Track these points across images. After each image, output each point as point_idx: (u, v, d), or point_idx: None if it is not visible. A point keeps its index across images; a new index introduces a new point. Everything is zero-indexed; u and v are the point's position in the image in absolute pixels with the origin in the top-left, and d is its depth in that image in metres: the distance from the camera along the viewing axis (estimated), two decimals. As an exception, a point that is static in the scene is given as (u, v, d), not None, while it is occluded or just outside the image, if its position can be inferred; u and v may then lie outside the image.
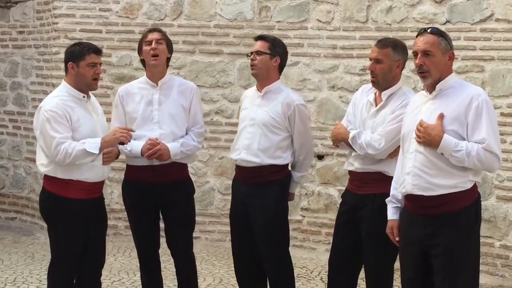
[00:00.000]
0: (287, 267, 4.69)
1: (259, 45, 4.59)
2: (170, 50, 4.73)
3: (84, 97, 4.31)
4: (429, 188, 3.68)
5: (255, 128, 4.56)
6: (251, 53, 4.61)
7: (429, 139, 3.65)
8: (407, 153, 3.79)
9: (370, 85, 4.33)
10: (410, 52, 6.21)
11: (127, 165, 4.74)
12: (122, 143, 4.33)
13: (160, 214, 4.74)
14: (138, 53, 4.74)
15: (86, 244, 4.34)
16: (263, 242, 4.57)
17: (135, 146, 4.56)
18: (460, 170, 3.65)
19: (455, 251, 3.64)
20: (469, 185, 3.69)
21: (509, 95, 6.03)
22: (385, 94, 4.23)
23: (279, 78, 4.68)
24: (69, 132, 4.18)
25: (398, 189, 3.88)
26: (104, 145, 4.22)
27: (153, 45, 4.59)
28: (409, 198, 3.78)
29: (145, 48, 4.63)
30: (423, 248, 3.73)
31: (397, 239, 3.91)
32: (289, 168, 4.70)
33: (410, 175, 3.73)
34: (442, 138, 3.61)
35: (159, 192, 4.60)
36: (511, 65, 6.05)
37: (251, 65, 4.61)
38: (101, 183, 4.39)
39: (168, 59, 4.75)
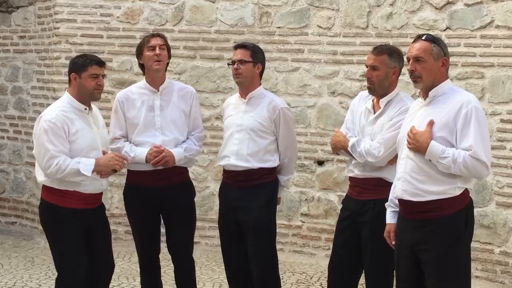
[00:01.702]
0: (273, 270, 4.70)
1: (241, 54, 4.63)
2: (170, 55, 4.75)
3: (85, 109, 4.31)
4: (417, 194, 3.71)
5: (243, 134, 4.61)
6: (233, 62, 4.64)
7: (417, 145, 3.69)
8: (400, 159, 3.84)
9: (367, 92, 4.35)
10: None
11: (128, 170, 4.75)
12: (115, 171, 4.36)
13: (161, 218, 4.75)
14: (137, 57, 4.74)
15: (91, 254, 4.33)
16: (252, 244, 4.60)
17: (139, 153, 4.58)
18: (448, 177, 3.67)
19: (443, 257, 3.66)
20: (458, 192, 3.70)
21: (509, 101, 6.04)
22: (383, 101, 4.25)
23: (261, 84, 4.75)
24: (65, 145, 4.17)
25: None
26: (97, 168, 4.22)
27: (157, 51, 4.60)
28: (400, 203, 3.83)
29: (148, 53, 4.63)
30: (414, 253, 3.76)
31: (393, 242, 3.93)
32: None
33: (400, 181, 3.78)
34: (429, 144, 3.64)
35: (161, 196, 4.62)
36: (511, 72, 6.06)
37: (236, 74, 4.64)
38: (99, 194, 4.40)
39: (167, 64, 4.77)
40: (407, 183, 3.74)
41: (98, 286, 4.43)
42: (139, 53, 4.70)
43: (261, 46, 6.60)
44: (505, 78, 6.06)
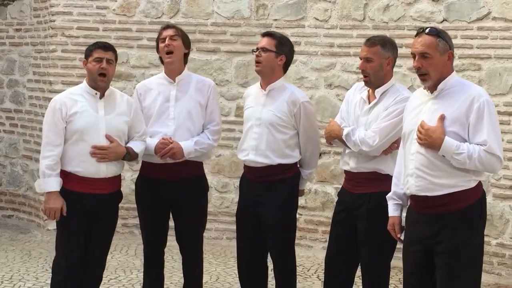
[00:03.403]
0: (291, 265, 4.69)
1: (265, 42, 4.54)
2: (187, 45, 4.69)
3: (96, 94, 4.37)
4: (433, 188, 3.64)
5: (262, 128, 4.53)
6: (257, 49, 4.56)
7: (430, 141, 3.61)
8: (409, 154, 3.75)
9: (364, 84, 4.33)
10: (406, 50, 6.23)
11: (142, 161, 4.73)
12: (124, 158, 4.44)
13: (171, 212, 4.74)
14: (157, 51, 4.72)
15: (88, 242, 4.36)
16: (271, 239, 4.56)
17: (149, 143, 4.56)
18: (462, 170, 3.62)
19: (458, 249, 3.62)
20: (472, 184, 3.66)
21: (506, 93, 6.04)
22: (378, 91, 4.23)
23: (283, 76, 4.64)
24: (59, 129, 4.28)
25: (400, 187, 3.86)
26: (46, 196, 4.29)
27: (167, 41, 4.57)
28: (414, 199, 3.76)
29: (161, 45, 4.62)
30: (427, 246, 3.70)
31: (398, 235, 3.89)
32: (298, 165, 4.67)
33: (413, 177, 3.70)
34: (444, 141, 3.57)
35: (170, 189, 4.59)
36: (508, 64, 6.06)
37: (256, 62, 4.55)
38: (106, 180, 4.36)
39: (186, 55, 4.72)
40: (421, 179, 3.66)
41: (88, 275, 4.44)
42: (157, 47, 4.70)
43: (258, 38, 6.59)
44: (502, 70, 6.06)
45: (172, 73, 4.66)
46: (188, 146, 4.55)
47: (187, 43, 4.68)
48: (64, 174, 4.30)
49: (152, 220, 4.70)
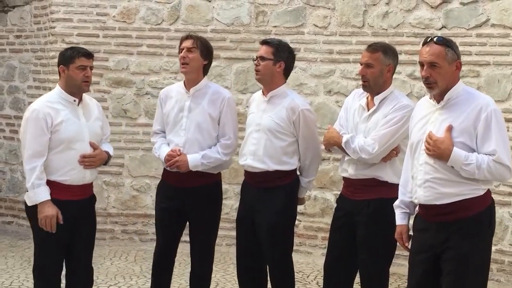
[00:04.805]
0: (288, 272, 4.68)
1: (263, 51, 4.56)
2: (206, 56, 4.65)
3: (74, 100, 4.36)
4: (442, 197, 3.63)
5: (261, 134, 4.54)
6: (256, 58, 4.59)
7: (438, 152, 3.59)
8: (417, 165, 3.73)
9: (362, 89, 4.33)
10: (405, 57, 6.26)
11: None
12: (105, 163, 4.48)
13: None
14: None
15: (72, 246, 4.35)
16: (267, 247, 4.57)
17: (162, 152, 4.64)
18: (471, 179, 3.61)
19: (466, 256, 3.60)
20: (481, 192, 3.65)
21: (505, 100, 6.05)
22: (377, 98, 4.24)
23: (285, 82, 4.65)
24: (43, 141, 4.22)
25: (407, 195, 3.85)
26: (39, 206, 4.21)
27: (183, 53, 4.58)
28: (423, 207, 3.75)
29: (179, 55, 4.63)
30: (435, 254, 3.68)
31: (406, 244, 3.87)
32: (298, 173, 4.66)
33: (421, 188, 3.69)
34: (452, 151, 3.55)
35: (180, 196, 4.62)
36: (507, 70, 6.08)
37: (255, 70, 4.58)
38: (86, 186, 4.39)
39: (206, 66, 4.69)
40: (430, 189, 3.65)
41: (76, 282, 4.43)
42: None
43: (257, 45, 6.60)
44: (500, 77, 6.08)
45: (189, 83, 4.68)
46: (194, 159, 4.56)
47: (206, 54, 4.64)
48: (48, 184, 4.26)
49: (164, 225, 4.72)
